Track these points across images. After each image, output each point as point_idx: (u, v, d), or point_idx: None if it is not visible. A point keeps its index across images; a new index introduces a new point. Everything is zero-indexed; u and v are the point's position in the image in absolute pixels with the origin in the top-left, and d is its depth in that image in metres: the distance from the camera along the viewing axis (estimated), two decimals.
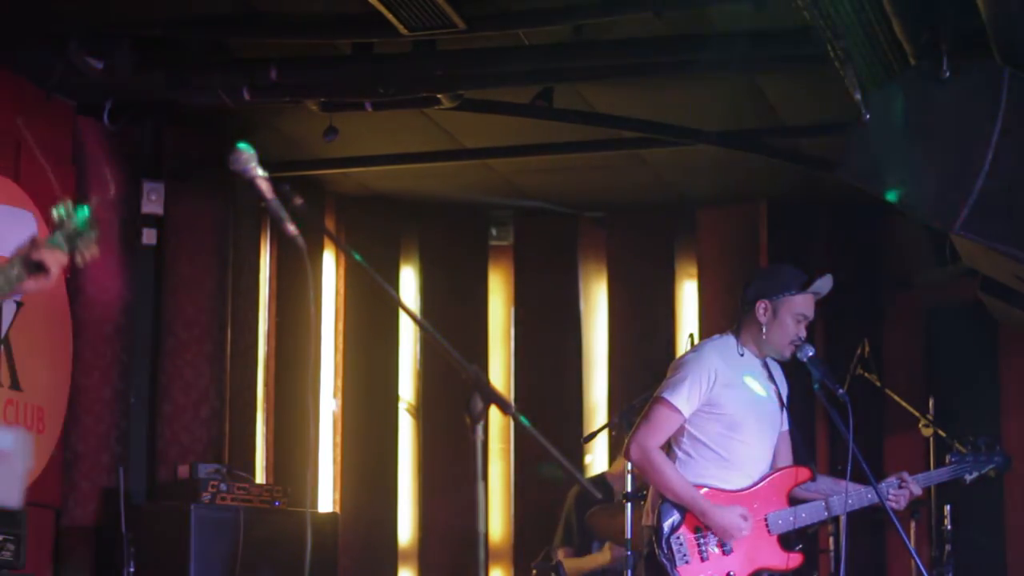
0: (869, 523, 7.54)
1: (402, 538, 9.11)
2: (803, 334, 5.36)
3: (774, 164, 7.95)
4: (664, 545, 5.16)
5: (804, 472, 5.40)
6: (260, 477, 8.24)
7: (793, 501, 5.37)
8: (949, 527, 6.90)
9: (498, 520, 9.20)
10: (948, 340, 8.55)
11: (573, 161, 8.30)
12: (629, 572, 6.09)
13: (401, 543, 9.10)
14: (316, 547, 7.42)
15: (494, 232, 9.47)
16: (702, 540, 5.18)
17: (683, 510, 5.18)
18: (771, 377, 5.45)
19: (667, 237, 9.28)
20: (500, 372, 9.29)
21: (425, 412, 9.19)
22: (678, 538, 5.16)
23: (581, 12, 6.05)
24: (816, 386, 5.48)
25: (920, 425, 7.17)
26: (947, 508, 6.93)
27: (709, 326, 9.00)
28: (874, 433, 8.29)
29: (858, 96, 5.37)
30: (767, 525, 5.26)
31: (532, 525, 8.68)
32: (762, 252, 8.89)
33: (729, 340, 5.39)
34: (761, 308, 5.32)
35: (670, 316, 9.18)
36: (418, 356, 9.27)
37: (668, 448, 5.32)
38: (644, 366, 8.68)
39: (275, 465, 8.43)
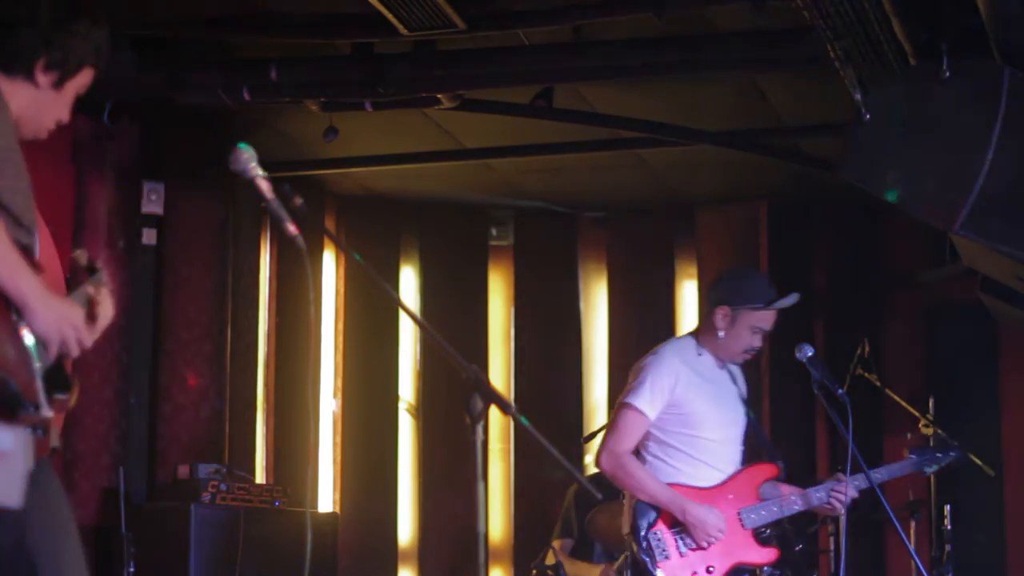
0: (869, 523, 7.54)
1: (402, 538, 9.11)
2: (758, 345, 5.42)
3: (774, 164, 7.95)
4: (643, 542, 5.21)
5: (772, 468, 5.45)
6: (260, 477, 8.24)
7: (763, 497, 5.42)
8: (949, 527, 6.89)
9: (498, 520, 9.21)
10: (948, 340, 8.55)
11: (573, 161, 8.30)
12: (628, 572, 6.11)
13: (401, 543, 9.10)
14: (316, 547, 7.41)
15: (494, 232, 9.47)
16: (680, 536, 5.23)
17: (658, 508, 5.23)
18: (732, 377, 5.49)
19: (667, 237, 9.28)
20: (500, 372, 9.29)
21: (425, 412, 9.19)
22: (656, 534, 5.21)
23: (581, 12, 6.05)
24: (816, 386, 5.49)
25: (920, 425, 7.17)
26: (947, 508, 6.93)
27: None
28: (874, 433, 8.29)
29: (858, 96, 5.38)
30: (741, 520, 5.31)
31: (532, 525, 8.68)
32: (762, 252, 8.89)
33: (689, 341, 5.44)
34: (720, 314, 5.37)
35: (670, 316, 9.18)
36: (418, 356, 9.27)
37: (636, 454, 5.36)
38: None
39: (275, 465, 8.43)
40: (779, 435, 8.61)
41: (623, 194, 8.99)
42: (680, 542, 5.22)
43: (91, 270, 3.39)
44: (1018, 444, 8.36)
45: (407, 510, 9.15)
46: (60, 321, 3.10)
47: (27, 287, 3.01)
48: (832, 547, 7.02)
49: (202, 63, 6.79)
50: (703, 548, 5.23)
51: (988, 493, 7.92)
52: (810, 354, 5.53)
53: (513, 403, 3.16)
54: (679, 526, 5.22)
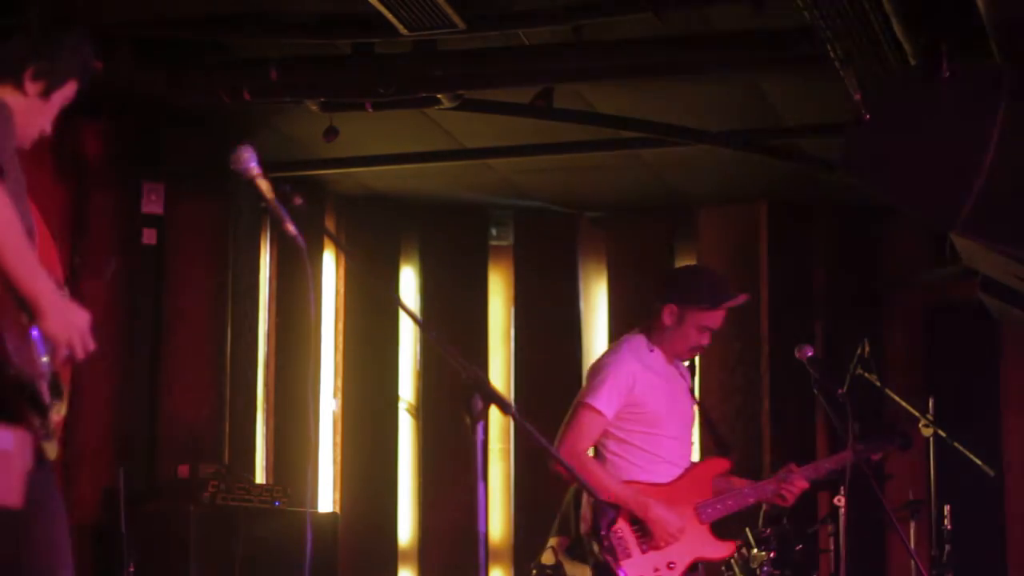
0: (869, 523, 7.54)
1: (402, 538, 9.11)
2: (705, 343, 5.45)
3: (774, 164, 7.95)
4: (604, 542, 5.23)
5: (724, 462, 5.51)
6: (260, 477, 8.24)
7: (716, 491, 5.47)
8: (949, 527, 6.89)
9: (498, 520, 9.20)
10: (948, 340, 8.56)
11: (573, 161, 8.30)
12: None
13: (401, 543, 9.10)
14: (316, 547, 7.42)
15: (494, 232, 9.47)
16: (641, 534, 5.26)
17: (618, 507, 5.25)
18: (680, 372, 5.54)
19: (667, 237, 9.28)
20: (500, 372, 9.29)
21: (425, 412, 9.19)
22: (617, 533, 5.24)
23: (581, 12, 6.04)
24: (816, 386, 5.50)
25: (920, 425, 7.16)
26: (947, 508, 6.93)
27: None
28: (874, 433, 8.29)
29: (858, 96, 5.38)
30: (697, 515, 5.36)
31: (532, 525, 8.67)
32: (762, 252, 8.90)
33: (640, 339, 5.45)
34: (667, 312, 5.39)
35: None
36: (418, 356, 9.27)
37: (596, 453, 5.40)
38: None
39: (275, 465, 8.42)
40: (779, 435, 8.64)
41: (623, 194, 8.99)
42: (641, 540, 5.25)
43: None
44: (1018, 444, 8.36)
45: (407, 510, 9.15)
46: (70, 326, 3.14)
47: (42, 291, 3.06)
48: (832, 547, 7.02)
49: (202, 63, 6.78)
50: (663, 544, 5.27)
51: (988, 493, 7.92)
52: (810, 354, 5.53)
53: (513, 403, 3.16)
54: (639, 524, 5.25)
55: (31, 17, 3.30)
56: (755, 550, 6.74)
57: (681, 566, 5.28)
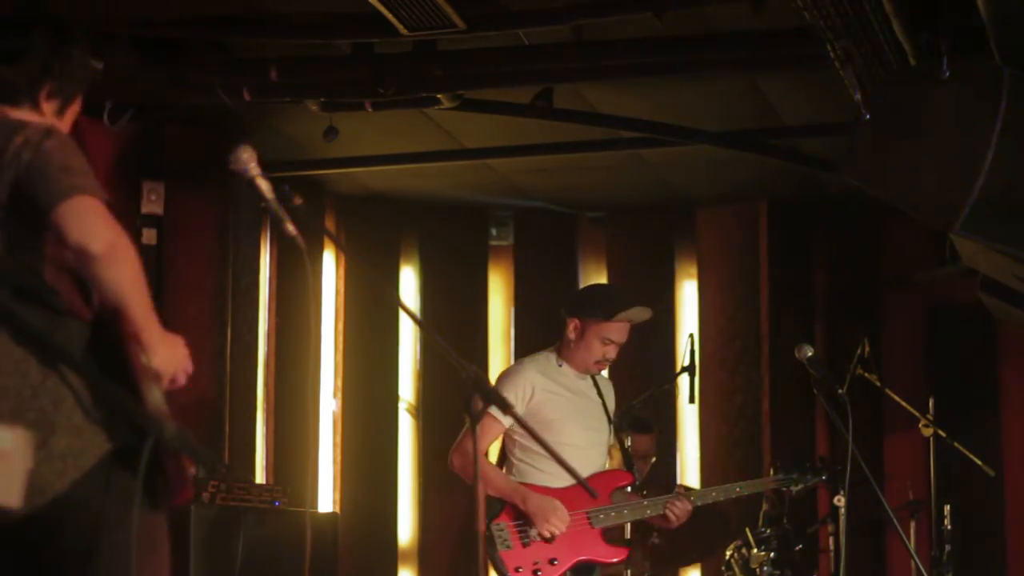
0: (869, 523, 7.54)
1: (402, 538, 9.11)
2: (612, 356, 5.63)
3: (774, 164, 7.95)
4: (486, 533, 5.32)
5: (626, 476, 5.68)
6: (260, 477, 8.24)
7: (614, 501, 5.61)
8: (949, 527, 6.90)
9: None
10: (948, 340, 8.56)
11: (573, 161, 8.30)
12: (628, 572, 6.14)
13: (401, 543, 9.10)
14: (316, 547, 7.41)
15: (494, 232, 9.47)
16: (522, 528, 5.43)
17: (504, 502, 5.45)
18: (598, 391, 5.71)
19: (667, 237, 9.29)
20: (500, 372, 9.27)
21: (425, 412, 9.19)
22: (498, 525, 5.43)
23: (581, 12, 6.04)
24: (816, 386, 5.49)
25: (920, 425, 7.17)
26: (947, 508, 6.93)
27: (709, 326, 9.01)
28: (874, 433, 8.29)
29: (858, 96, 5.38)
30: (589, 519, 5.48)
31: None
32: (762, 252, 8.90)
33: (550, 355, 5.68)
34: (571, 326, 5.61)
35: (670, 316, 9.18)
36: (418, 356, 9.27)
37: (504, 457, 5.64)
38: (644, 366, 8.67)
39: (275, 465, 8.42)
40: (779, 435, 8.63)
41: (623, 194, 8.99)
42: (522, 534, 5.42)
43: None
44: (1018, 444, 8.36)
45: (407, 510, 9.15)
46: (175, 360, 3.28)
47: (155, 332, 3.17)
48: (832, 547, 7.03)
49: (202, 63, 6.78)
50: (546, 541, 5.39)
51: (988, 493, 7.92)
52: (810, 354, 5.53)
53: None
54: (523, 519, 5.42)
55: (38, 36, 3.30)
56: (755, 550, 6.76)
57: (564, 563, 5.41)
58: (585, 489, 5.21)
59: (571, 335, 5.58)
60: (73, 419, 3.06)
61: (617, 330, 5.57)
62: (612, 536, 5.57)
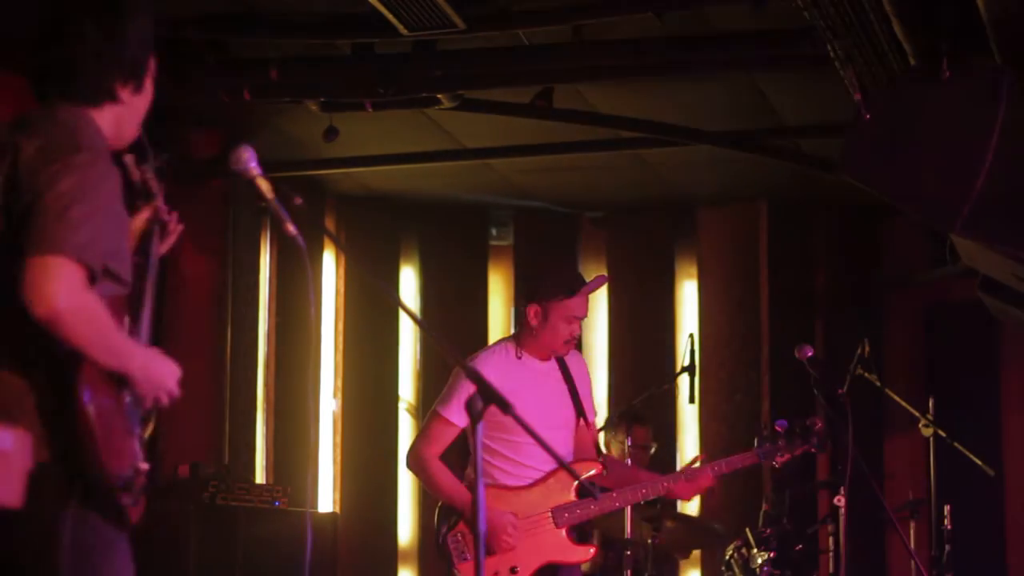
0: (869, 523, 7.54)
1: (402, 538, 9.11)
2: (577, 332, 5.43)
3: (774, 164, 7.95)
4: (443, 544, 5.37)
5: (591, 465, 5.40)
6: (260, 477, 8.24)
7: (580, 496, 5.39)
8: (949, 527, 6.89)
9: None
10: (948, 340, 8.56)
11: (573, 161, 8.30)
12: (628, 572, 6.12)
13: (401, 543, 9.10)
14: (316, 547, 7.41)
15: (494, 232, 9.47)
16: None
17: (460, 512, 5.35)
18: (565, 376, 5.48)
19: (667, 237, 9.29)
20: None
21: (425, 412, 9.17)
22: (455, 536, 5.35)
23: (581, 12, 6.04)
24: (816, 386, 5.49)
25: (920, 425, 7.17)
26: (947, 508, 6.93)
27: (709, 326, 9.01)
28: (874, 433, 8.29)
29: (858, 96, 5.37)
30: (553, 519, 5.32)
31: None
32: (762, 252, 8.90)
33: (508, 346, 5.46)
34: (532, 312, 5.38)
35: (670, 316, 9.18)
36: (418, 356, 9.27)
37: (467, 456, 5.40)
38: (644, 366, 8.68)
39: (275, 465, 8.42)
40: None
41: (623, 194, 8.99)
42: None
43: (146, 195, 3.70)
44: (1018, 444, 8.36)
45: (407, 510, 9.15)
46: (158, 387, 3.44)
47: (132, 365, 3.31)
48: (832, 547, 7.02)
49: (202, 63, 6.78)
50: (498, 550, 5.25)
51: (988, 493, 7.92)
52: (810, 354, 5.53)
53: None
54: None
55: (88, 27, 3.22)
56: (755, 550, 6.75)
57: (526, 570, 5.26)
58: (569, 473, 5.11)
59: (533, 322, 5.35)
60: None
61: (581, 305, 5.39)
62: (579, 535, 5.41)
